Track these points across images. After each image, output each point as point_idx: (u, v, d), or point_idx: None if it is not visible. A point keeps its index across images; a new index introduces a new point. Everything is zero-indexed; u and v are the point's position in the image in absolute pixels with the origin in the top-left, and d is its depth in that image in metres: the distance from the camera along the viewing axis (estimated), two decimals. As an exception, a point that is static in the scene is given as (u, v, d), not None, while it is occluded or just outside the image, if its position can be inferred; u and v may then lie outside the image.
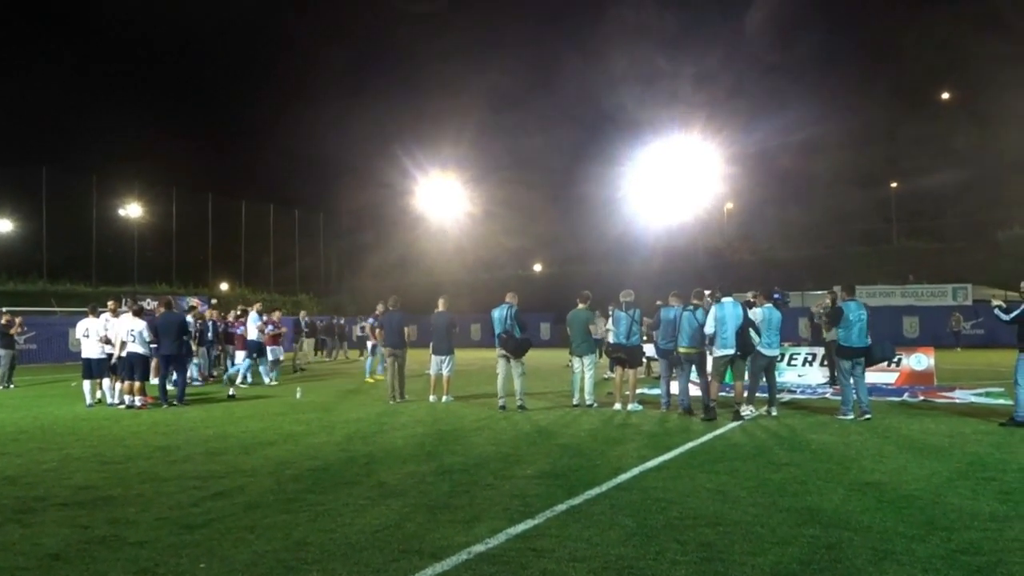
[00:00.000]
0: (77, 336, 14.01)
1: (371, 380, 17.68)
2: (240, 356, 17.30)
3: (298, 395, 14.04)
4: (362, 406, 12.69)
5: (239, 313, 18.93)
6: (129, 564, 4.50)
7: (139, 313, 13.08)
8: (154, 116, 60.15)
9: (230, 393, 14.12)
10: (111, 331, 12.64)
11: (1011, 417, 9.58)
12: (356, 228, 56.42)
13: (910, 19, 62.36)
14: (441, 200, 54.43)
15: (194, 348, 16.51)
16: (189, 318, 17.14)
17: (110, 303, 13.76)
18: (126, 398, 12.57)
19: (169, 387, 12.99)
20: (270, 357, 17.80)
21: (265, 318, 17.76)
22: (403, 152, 57.02)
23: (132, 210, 43.27)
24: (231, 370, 16.57)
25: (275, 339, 18.20)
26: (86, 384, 12.91)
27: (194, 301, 21.82)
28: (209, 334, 17.82)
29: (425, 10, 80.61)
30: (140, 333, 12.54)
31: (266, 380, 17.39)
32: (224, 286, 46.92)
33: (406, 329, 13.43)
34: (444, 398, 12.99)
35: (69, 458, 7.97)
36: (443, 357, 13.11)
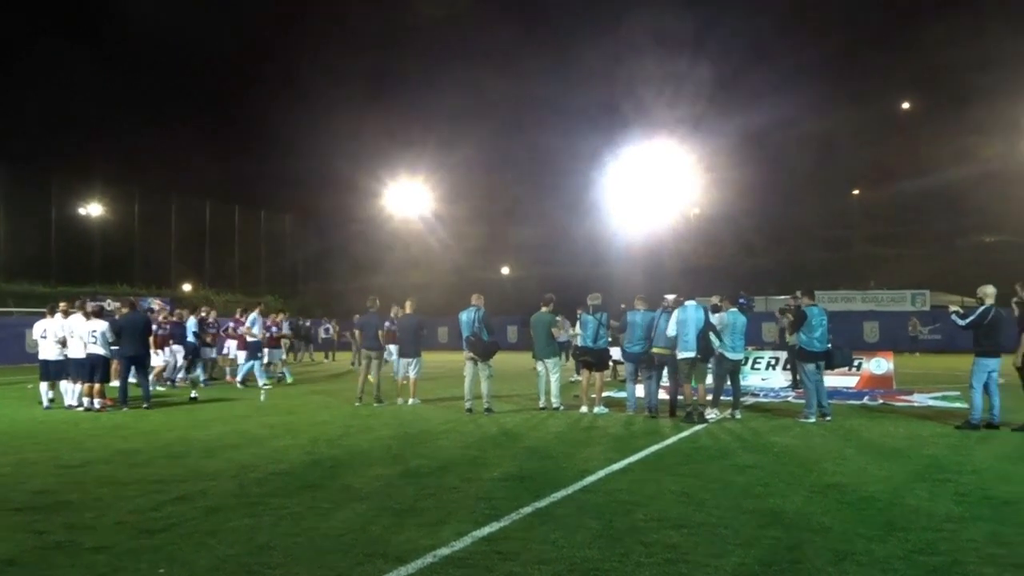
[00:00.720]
0: (34, 337, 13.71)
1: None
2: (242, 356, 17.24)
3: (262, 398, 13.88)
4: (328, 409, 12.59)
5: (241, 312, 18.70)
6: (86, 570, 4.41)
7: (99, 314, 12.84)
8: (115, 114, 59.06)
9: (192, 395, 13.92)
10: (64, 332, 12.41)
11: (966, 420, 9.78)
12: (323, 230, 55.95)
13: (874, 29, 63.57)
14: (409, 202, 54.25)
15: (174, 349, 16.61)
16: (192, 319, 17.32)
17: (62, 304, 13.49)
18: (85, 400, 12.32)
19: (167, 387, 12.68)
20: (266, 359, 17.87)
21: (268, 320, 17.84)
22: (371, 154, 56.84)
23: (93, 209, 42.47)
24: (195, 372, 16.37)
25: (276, 341, 18.21)
26: (43, 386, 12.64)
27: (156, 303, 21.48)
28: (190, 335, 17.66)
29: (395, 15, 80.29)
30: (102, 334, 12.30)
31: (261, 381, 17.26)
32: (187, 287, 46.22)
33: (380, 332, 13.36)
34: (411, 401, 12.94)
35: (25, 462, 7.79)
36: (410, 360, 13.06)
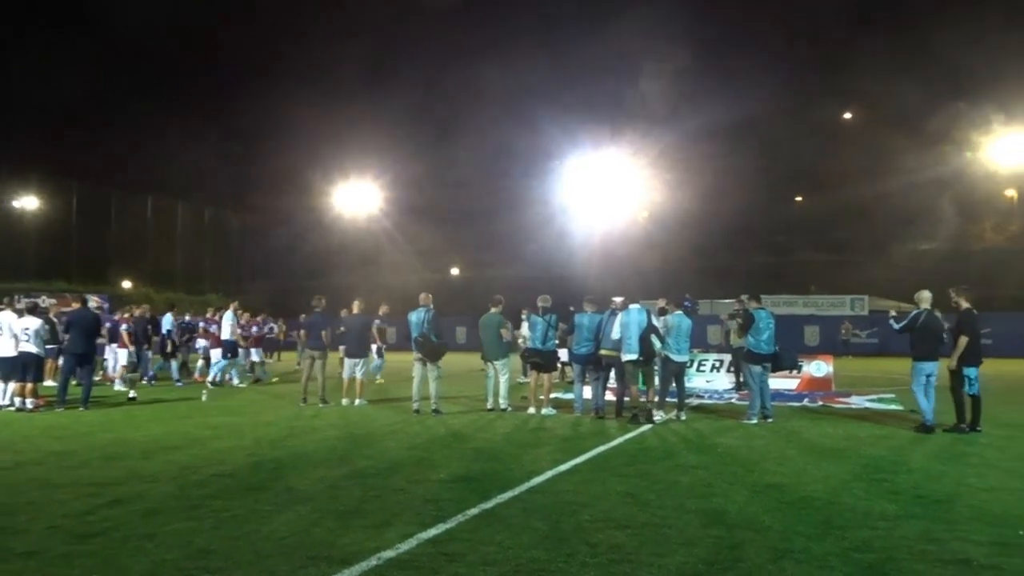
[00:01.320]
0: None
1: (380, 381, 17.60)
2: (216, 355, 16.99)
3: (204, 398, 13.58)
4: (272, 409, 12.38)
5: (214, 312, 18.46)
6: (16, 576, 4.26)
7: (33, 311, 12.41)
8: (53, 105, 57.10)
9: (131, 395, 13.54)
10: None
11: (921, 423, 9.93)
12: (270, 228, 55.00)
13: (816, 39, 65.23)
14: (359, 201, 53.73)
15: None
16: (169, 317, 17.36)
17: None
18: (16, 400, 11.89)
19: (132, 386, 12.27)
20: (255, 359, 18.01)
21: (260, 318, 17.93)
22: (321, 152, 56.14)
23: (27, 203, 41.03)
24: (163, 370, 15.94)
25: (259, 340, 18.09)
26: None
27: (94, 300, 20.83)
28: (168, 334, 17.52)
29: (343, 12, 79.47)
30: (35, 332, 11.89)
31: (235, 380, 17.08)
32: (127, 284, 44.98)
33: (324, 332, 13.19)
34: (357, 402, 12.80)
35: (-49, 464, 7.48)
36: (357, 360, 12.94)
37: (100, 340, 15.97)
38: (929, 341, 9.96)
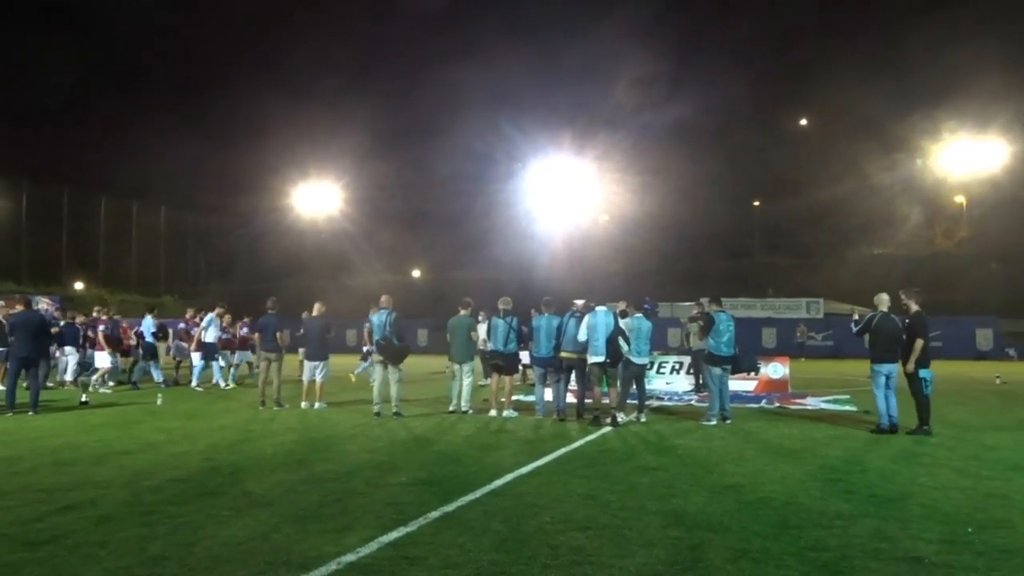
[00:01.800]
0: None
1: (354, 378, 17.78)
2: (196, 358, 16.87)
3: (159, 402, 13.31)
4: (229, 413, 12.18)
5: (193, 314, 18.17)
6: (-41, 586, 4.12)
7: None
8: (4, 103, 55.61)
9: (83, 399, 13.21)
10: None
11: (876, 425, 10.07)
12: (228, 229, 54.20)
13: (777, 48, 66.40)
14: (320, 203, 53.23)
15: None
16: (149, 319, 17.13)
17: None
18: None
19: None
20: (236, 361, 17.95)
21: (245, 320, 17.85)
22: (280, 154, 55.43)
23: (-24, 202, 39.94)
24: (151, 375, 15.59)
25: (245, 342, 17.98)
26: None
27: (45, 302, 20.39)
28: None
29: (303, 13, 78.70)
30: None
31: (222, 383, 16.85)
32: (79, 285, 43.95)
33: (279, 334, 13.02)
34: (317, 405, 12.66)
35: None
36: (317, 363, 12.80)
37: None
38: (884, 343, 10.07)
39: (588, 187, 46.89)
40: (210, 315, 16.83)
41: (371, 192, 53.64)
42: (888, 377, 10.04)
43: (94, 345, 16.43)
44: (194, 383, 16.49)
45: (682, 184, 49.76)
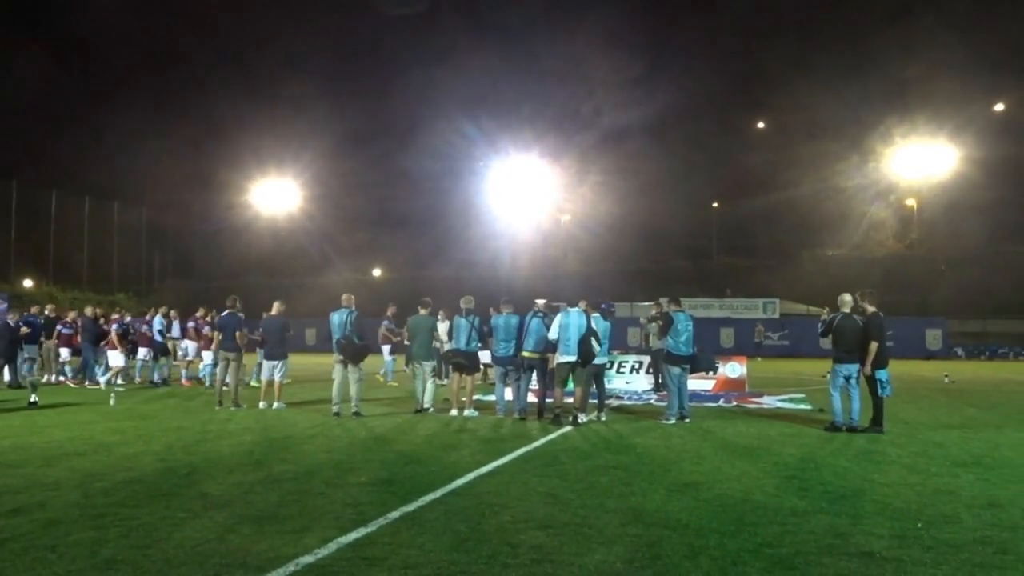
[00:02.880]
0: None
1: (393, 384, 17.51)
2: (208, 356, 16.50)
3: (112, 402, 13.01)
4: (185, 414, 11.96)
5: (204, 312, 17.62)
6: (-99, 592, 3.99)
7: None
8: (-52, 91, 53.85)
9: (32, 400, 12.86)
10: None
11: (831, 422, 10.23)
12: (184, 225, 53.23)
13: (734, 51, 67.36)
14: (279, 201, 52.55)
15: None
16: (159, 317, 17.16)
17: None
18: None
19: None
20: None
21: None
22: (238, 150, 54.64)
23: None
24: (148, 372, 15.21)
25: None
26: None
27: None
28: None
29: (265, 9, 77.67)
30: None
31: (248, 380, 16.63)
32: (28, 283, 42.79)
33: (238, 333, 12.83)
34: (275, 405, 12.50)
35: None
36: (276, 362, 12.64)
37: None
38: (844, 343, 10.18)
39: (549, 187, 47.06)
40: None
41: (333, 190, 53.22)
42: (848, 378, 10.16)
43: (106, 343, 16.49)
44: (208, 382, 16.27)
45: (642, 185, 50.30)
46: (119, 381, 16.39)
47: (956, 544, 4.97)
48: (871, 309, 10.26)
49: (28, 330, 16.43)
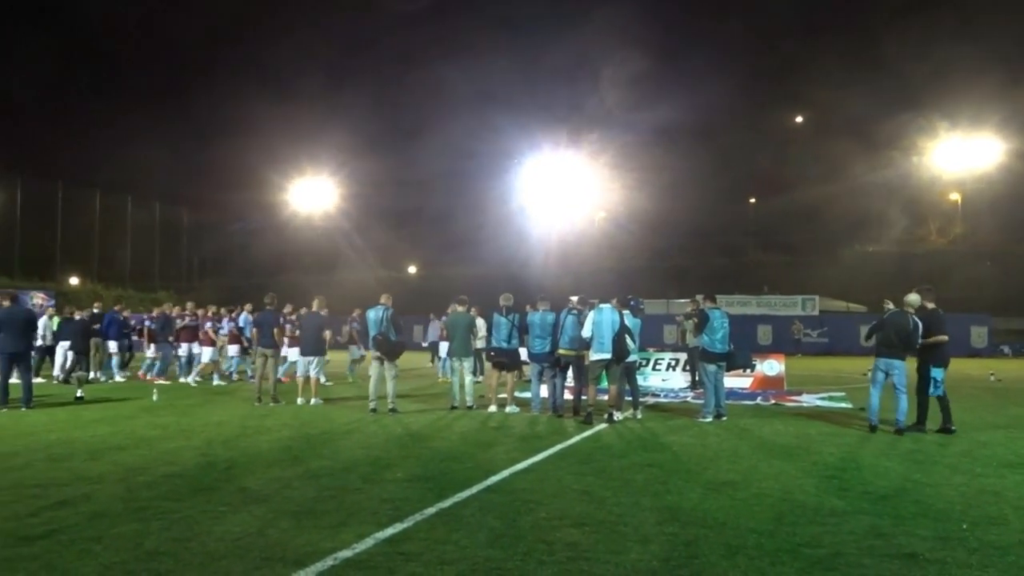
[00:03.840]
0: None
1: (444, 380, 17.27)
2: (293, 354, 16.62)
3: (154, 397, 13.28)
4: (224, 409, 12.16)
5: (293, 309, 17.73)
6: (-46, 581, 4.11)
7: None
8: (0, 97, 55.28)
9: (78, 395, 13.17)
10: None
11: (869, 424, 9.85)
12: (222, 224, 54.05)
13: (771, 46, 66.46)
14: (315, 200, 53.12)
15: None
16: (245, 315, 17.23)
17: None
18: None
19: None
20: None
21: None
22: (276, 149, 55.32)
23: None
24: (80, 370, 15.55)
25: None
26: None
27: (39, 297, 20.37)
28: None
29: (304, 9, 78.51)
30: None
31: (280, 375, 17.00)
32: (74, 280, 43.80)
33: (276, 330, 13.01)
34: (312, 401, 12.65)
35: None
36: (312, 358, 12.79)
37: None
38: (885, 337, 9.73)
39: (582, 184, 46.88)
40: (244, 314, 17.05)
41: (365, 188, 53.60)
42: (888, 373, 9.77)
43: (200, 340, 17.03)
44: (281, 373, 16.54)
45: (675, 181, 49.87)
46: (218, 378, 16.83)
47: (1002, 546, 4.85)
48: (930, 306, 9.95)
49: (137, 327, 17.62)
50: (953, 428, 9.66)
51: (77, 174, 46.51)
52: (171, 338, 17.27)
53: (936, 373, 9.73)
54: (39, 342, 16.41)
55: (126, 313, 19.46)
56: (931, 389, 9.73)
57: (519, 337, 12.06)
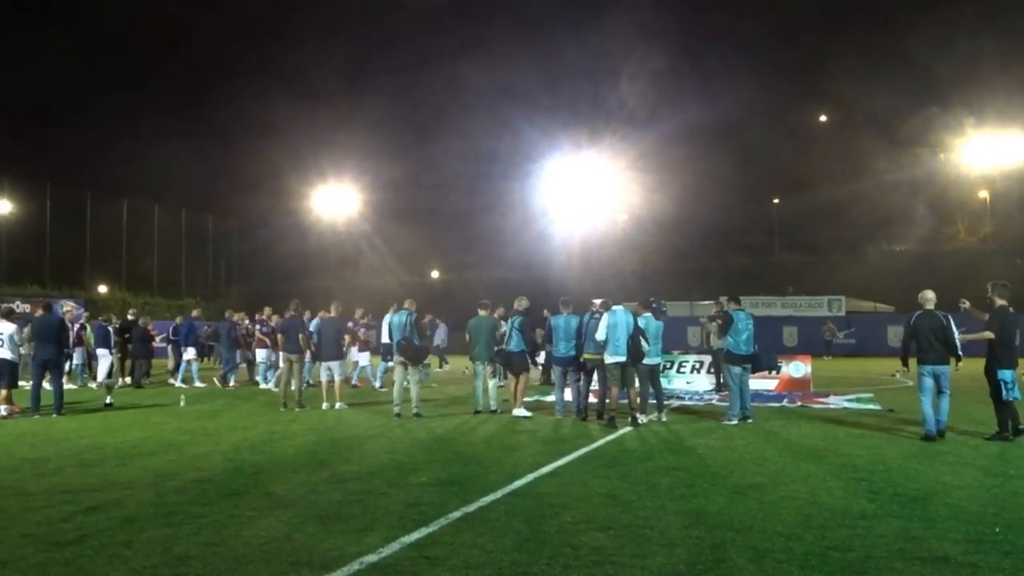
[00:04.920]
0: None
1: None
2: (364, 358, 17.42)
3: (182, 403, 13.44)
4: (250, 415, 12.27)
5: (363, 313, 18.08)
6: (-11, 586, 4.18)
7: (8, 315, 12.22)
8: (27, 105, 56.26)
9: (107, 401, 13.36)
10: None
11: (925, 432, 9.21)
12: (247, 231, 54.60)
13: (792, 44, 65.93)
14: (337, 204, 53.48)
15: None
16: (316, 320, 17.28)
17: None
18: (-10, 407, 11.70)
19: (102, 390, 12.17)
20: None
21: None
22: (298, 155, 55.79)
23: (0, 205, 40.42)
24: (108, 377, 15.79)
25: (355, 340, 17.57)
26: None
27: (68, 305, 20.65)
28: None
29: (323, 14, 79.12)
30: (9, 337, 11.71)
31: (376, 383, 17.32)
32: (103, 288, 44.42)
33: (301, 336, 13.11)
34: (337, 405, 12.72)
35: (-79, 472, 7.33)
36: (333, 363, 12.87)
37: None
38: (926, 341, 9.23)
39: (605, 185, 46.73)
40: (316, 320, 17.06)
41: (388, 192, 53.90)
42: (937, 379, 9.24)
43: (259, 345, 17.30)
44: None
45: (697, 182, 49.54)
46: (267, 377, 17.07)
47: (1037, 550, 4.77)
48: (1000, 303, 9.40)
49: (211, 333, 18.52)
50: (1009, 436, 9.06)
51: (104, 181, 47.27)
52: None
53: (1006, 375, 9.14)
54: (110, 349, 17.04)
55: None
56: (1004, 393, 9.11)
57: (524, 339, 11.95)
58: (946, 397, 9.33)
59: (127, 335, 17.93)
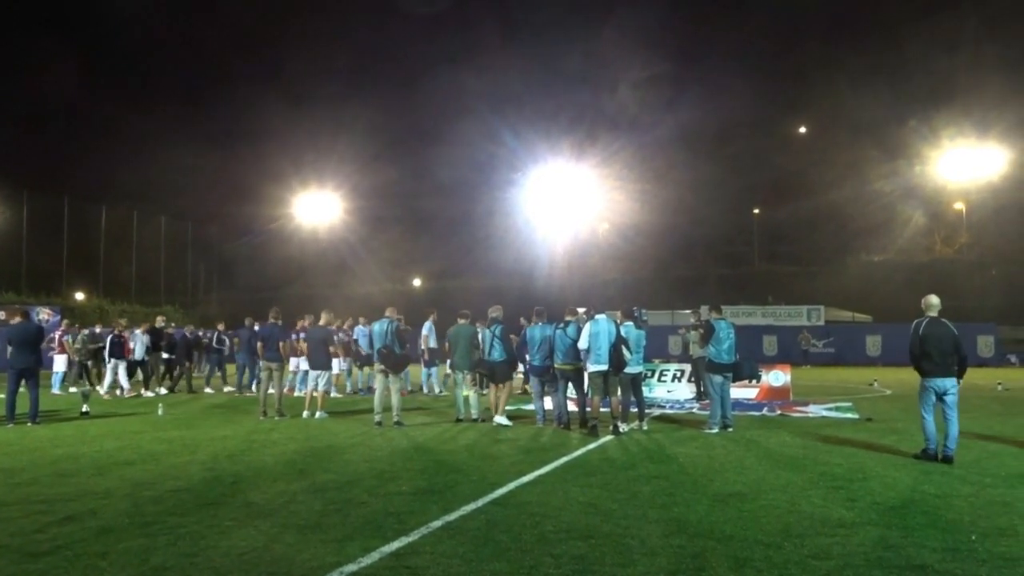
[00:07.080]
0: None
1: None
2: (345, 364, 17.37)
3: (160, 412, 13.30)
4: (230, 423, 12.16)
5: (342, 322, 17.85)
6: (-40, 598, 4.11)
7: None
8: (2, 111, 55.64)
9: (83, 410, 13.19)
10: None
11: (923, 449, 8.51)
12: (228, 238, 54.26)
13: (774, 56, 66.64)
14: (319, 212, 53.29)
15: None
16: (360, 327, 17.14)
17: None
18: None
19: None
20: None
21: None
22: (280, 162, 55.54)
23: (-25, 213, 39.94)
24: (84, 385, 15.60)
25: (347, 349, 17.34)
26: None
27: (45, 312, 20.47)
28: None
29: (308, 24, 78.99)
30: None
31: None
32: (80, 296, 43.91)
33: (281, 344, 13.02)
34: (318, 414, 12.64)
35: None
36: (319, 372, 12.80)
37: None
38: (936, 353, 8.38)
39: (587, 194, 46.90)
40: (427, 323, 17.19)
41: (371, 200, 53.79)
42: (943, 395, 8.39)
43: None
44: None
45: (680, 191, 49.87)
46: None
47: (1012, 557, 4.82)
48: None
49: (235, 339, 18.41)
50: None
51: (82, 188, 46.76)
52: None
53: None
54: (135, 356, 17.33)
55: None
56: None
57: (504, 349, 11.88)
58: (954, 420, 8.33)
59: (161, 343, 18.06)
